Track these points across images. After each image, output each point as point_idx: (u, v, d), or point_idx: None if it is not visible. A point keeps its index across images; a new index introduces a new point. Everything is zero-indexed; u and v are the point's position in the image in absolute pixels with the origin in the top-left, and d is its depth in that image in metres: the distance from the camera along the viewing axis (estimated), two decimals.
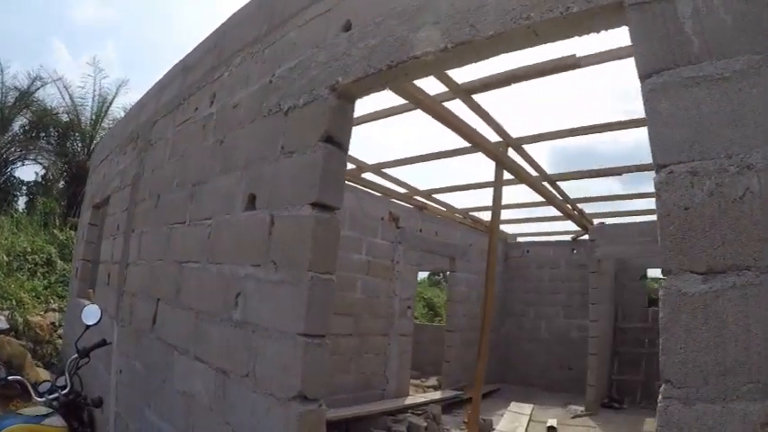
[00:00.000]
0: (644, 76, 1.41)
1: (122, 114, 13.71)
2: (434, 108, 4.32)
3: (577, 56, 3.70)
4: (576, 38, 1.76)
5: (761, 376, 1.12)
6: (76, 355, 2.85)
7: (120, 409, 4.08)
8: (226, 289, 2.76)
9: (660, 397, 1.23)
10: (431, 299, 18.47)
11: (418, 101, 4.09)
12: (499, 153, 5.46)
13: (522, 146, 5.82)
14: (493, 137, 5.34)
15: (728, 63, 1.27)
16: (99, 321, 3.01)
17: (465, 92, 4.40)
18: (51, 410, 2.46)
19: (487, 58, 2.02)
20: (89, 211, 7.35)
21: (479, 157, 5.65)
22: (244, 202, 2.80)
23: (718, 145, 1.25)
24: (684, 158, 1.29)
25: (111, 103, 15.48)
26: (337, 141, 2.39)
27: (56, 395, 2.57)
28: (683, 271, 1.25)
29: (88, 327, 2.96)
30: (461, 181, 7.77)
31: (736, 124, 1.24)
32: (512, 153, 5.75)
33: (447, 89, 4.33)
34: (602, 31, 1.69)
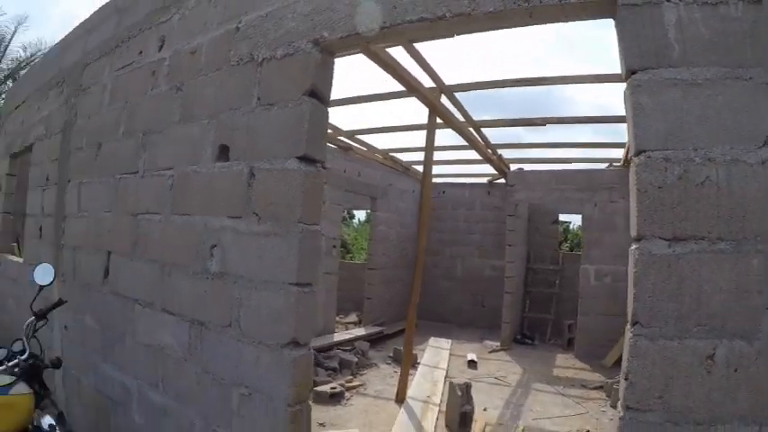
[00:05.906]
0: (630, 71, 1.65)
1: (23, 53, 13.87)
2: (379, 54, 4.36)
3: None
4: (561, 23, 1.96)
5: (707, 321, 1.50)
6: (33, 317, 2.64)
7: (68, 365, 3.94)
8: (197, 241, 2.76)
9: (630, 334, 1.58)
10: (342, 236, 18.79)
11: (365, 47, 4.10)
12: (433, 99, 5.66)
13: (454, 93, 6.05)
14: (427, 83, 5.49)
15: (701, 71, 1.55)
16: (53, 281, 2.78)
17: (408, 40, 4.47)
18: (14, 378, 2.26)
19: (476, 32, 2.15)
20: (6, 161, 6.66)
21: (395, 101, 6.09)
22: (214, 153, 2.77)
23: (688, 139, 1.55)
24: (660, 147, 1.58)
25: (9, 42, 14.36)
26: (320, 95, 2.43)
27: (15, 361, 2.36)
28: (654, 237, 1.57)
29: (42, 287, 2.74)
30: (378, 124, 7.85)
31: (702, 124, 1.54)
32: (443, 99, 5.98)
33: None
34: (589, 20, 1.89)
